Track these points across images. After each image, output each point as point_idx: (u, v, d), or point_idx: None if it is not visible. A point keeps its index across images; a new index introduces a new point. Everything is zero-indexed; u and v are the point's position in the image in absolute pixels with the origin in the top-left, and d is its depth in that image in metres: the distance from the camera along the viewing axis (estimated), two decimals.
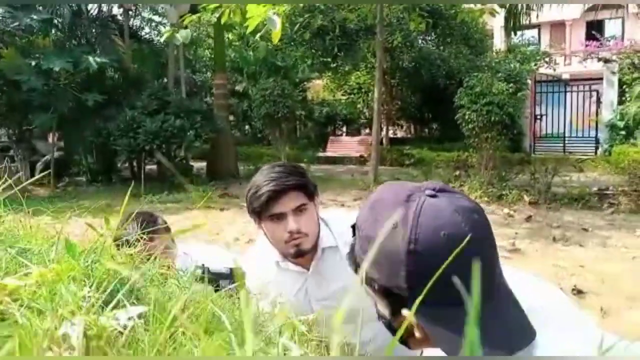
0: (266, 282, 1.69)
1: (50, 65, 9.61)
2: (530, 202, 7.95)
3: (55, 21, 11.39)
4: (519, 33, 17.18)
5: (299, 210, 1.45)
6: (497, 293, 0.77)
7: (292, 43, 13.33)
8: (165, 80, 12.61)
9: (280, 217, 1.46)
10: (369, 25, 11.79)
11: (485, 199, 8.26)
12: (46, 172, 10.67)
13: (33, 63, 9.94)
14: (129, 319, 0.42)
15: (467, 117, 8.61)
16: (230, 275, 1.83)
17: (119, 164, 12.60)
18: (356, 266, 0.85)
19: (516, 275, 0.99)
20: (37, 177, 10.53)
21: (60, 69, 9.71)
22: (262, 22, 5.78)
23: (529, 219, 7.00)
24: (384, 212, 0.80)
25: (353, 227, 0.89)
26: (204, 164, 13.01)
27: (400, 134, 18.38)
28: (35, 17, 10.16)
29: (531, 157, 11.93)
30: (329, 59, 13.66)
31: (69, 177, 11.94)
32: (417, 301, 0.54)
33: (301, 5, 7.21)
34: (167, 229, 2.21)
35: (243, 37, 15.75)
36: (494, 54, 14.95)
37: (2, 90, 10.52)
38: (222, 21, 8.00)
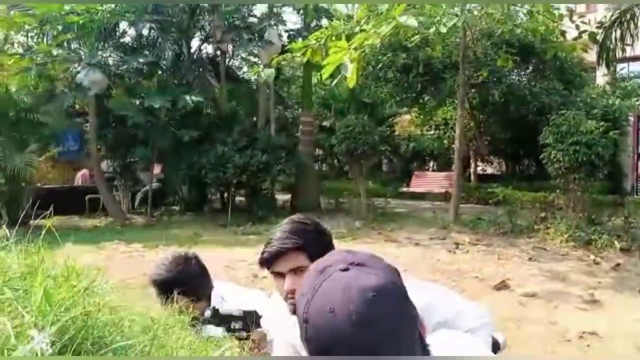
0: (284, 326, 1.80)
1: (151, 103, 10.54)
2: (621, 248, 7.39)
3: (160, 64, 12.48)
4: (624, 65, 16.18)
5: (297, 271, 1.51)
6: None
7: (378, 80, 13.54)
8: (255, 118, 13.29)
9: (279, 275, 1.55)
10: (454, 62, 11.72)
11: (572, 244, 7.79)
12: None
13: (137, 102, 10.96)
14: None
15: (552, 156, 8.26)
16: (242, 318, 1.95)
17: (210, 196, 13.33)
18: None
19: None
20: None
21: (160, 106, 10.61)
22: (337, 68, 6.03)
23: (616, 267, 6.52)
24: (305, 283, 0.89)
25: None
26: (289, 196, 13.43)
27: (490, 170, 17.84)
28: (142, 60, 11.21)
29: (627, 199, 11.07)
30: (414, 95, 13.70)
31: (165, 207, 12.81)
32: None
33: (380, 43, 7.40)
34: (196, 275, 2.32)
35: (332, 75, 16.24)
36: (592, 89, 14.19)
37: (110, 126, 11.65)
38: (304, 60, 8.39)
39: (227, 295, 2.35)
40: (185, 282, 2.15)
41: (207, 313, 1.91)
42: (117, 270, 6.29)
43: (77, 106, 11.90)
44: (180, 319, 2.01)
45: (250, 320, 1.94)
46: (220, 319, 1.91)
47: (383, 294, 0.80)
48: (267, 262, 1.56)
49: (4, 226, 1.40)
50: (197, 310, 2.03)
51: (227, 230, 10.08)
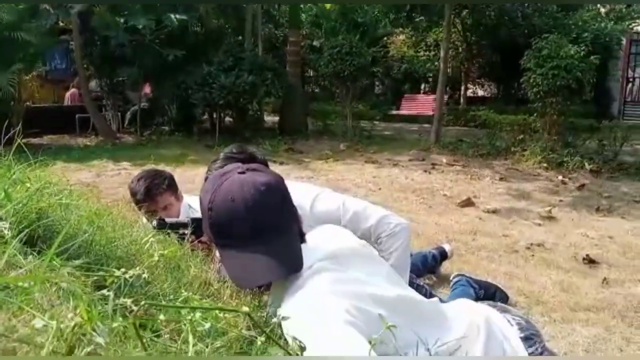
0: None
1: (135, 22, 10.39)
2: (591, 170, 7.66)
3: None
4: None
5: None
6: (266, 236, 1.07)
7: None
8: (241, 37, 13.07)
9: None
10: None
11: (544, 164, 8.06)
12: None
13: (122, 20, 10.78)
14: None
15: (532, 80, 8.34)
16: (189, 224, 2.20)
17: (199, 117, 13.41)
18: None
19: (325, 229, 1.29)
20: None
21: (144, 25, 10.46)
22: None
23: (581, 187, 6.81)
24: (208, 184, 1.15)
25: None
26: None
27: (481, 93, 17.84)
28: None
29: (603, 123, 11.24)
30: (405, 14, 13.46)
31: (155, 127, 12.93)
32: None
33: None
34: (170, 186, 2.62)
35: None
36: (587, 12, 13.92)
37: (95, 45, 11.53)
38: None
39: (195, 205, 2.63)
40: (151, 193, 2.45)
41: (154, 223, 2.16)
42: (105, 186, 6.56)
43: (61, 23, 11.70)
44: (134, 219, 2.28)
45: (199, 225, 2.18)
46: (168, 227, 2.16)
47: (271, 188, 1.09)
48: None
49: None
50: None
51: (214, 151, 10.27)
